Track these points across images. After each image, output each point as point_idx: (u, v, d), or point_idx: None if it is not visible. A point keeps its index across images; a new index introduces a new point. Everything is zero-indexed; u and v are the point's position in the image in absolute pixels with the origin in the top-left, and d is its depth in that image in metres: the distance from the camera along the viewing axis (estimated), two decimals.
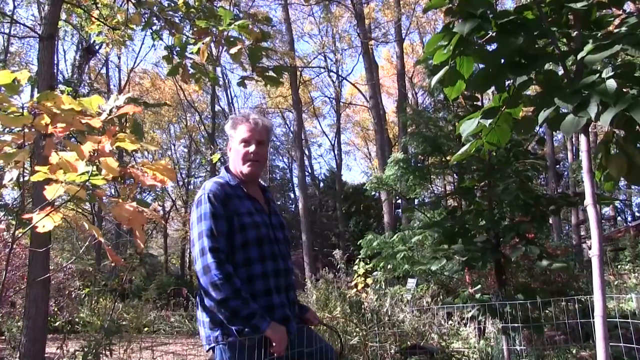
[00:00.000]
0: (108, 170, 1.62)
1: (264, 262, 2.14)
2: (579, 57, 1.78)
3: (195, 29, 4.11)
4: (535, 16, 1.95)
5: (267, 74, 3.92)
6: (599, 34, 1.86)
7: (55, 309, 9.07)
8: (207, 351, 2.11)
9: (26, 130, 1.63)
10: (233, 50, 3.49)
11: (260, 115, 2.35)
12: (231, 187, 2.20)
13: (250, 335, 1.96)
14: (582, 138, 1.82)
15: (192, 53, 4.12)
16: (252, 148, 2.22)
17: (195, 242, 2.06)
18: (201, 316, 2.13)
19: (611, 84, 1.62)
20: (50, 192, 1.55)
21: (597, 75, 1.70)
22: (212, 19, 3.86)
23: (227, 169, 2.31)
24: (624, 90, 1.71)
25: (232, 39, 3.73)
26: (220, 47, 3.95)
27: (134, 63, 23.97)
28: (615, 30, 1.83)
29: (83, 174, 1.58)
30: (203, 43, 3.49)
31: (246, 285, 2.06)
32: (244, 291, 1.99)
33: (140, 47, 35.04)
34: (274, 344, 1.98)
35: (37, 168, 1.60)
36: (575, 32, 1.96)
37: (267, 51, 3.99)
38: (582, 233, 18.13)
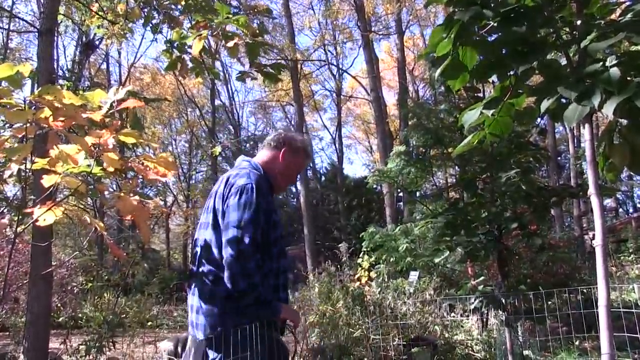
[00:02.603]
0: (110, 163, 1.61)
1: (278, 259, 2.19)
2: (582, 45, 1.76)
3: (194, 22, 4.09)
4: (536, 4, 1.93)
5: (265, 70, 3.91)
6: (602, 22, 1.84)
7: (58, 305, 9.10)
8: (204, 339, 2.10)
9: (27, 124, 1.62)
10: (230, 44, 3.47)
11: None
12: (267, 184, 2.25)
13: (269, 318, 2.06)
14: (586, 127, 1.81)
15: (191, 47, 4.10)
16: (297, 177, 2.36)
17: (234, 227, 2.03)
18: (207, 303, 2.11)
19: (615, 72, 1.61)
20: (48, 182, 1.55)
21: (601, 63, 1.69)
22: (210, 13, 3.84)
23: (261, 166, 2.33)
24: (628, 78, 1.69)
25: (229, 34, 3.72)
26: (219, 41, 3.94)
27: (135, 58, 23.84)
28: (619, 18, 1.81)
29: (83, 166, 1.57)
30: (199, 35, 3.47)
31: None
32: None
33: (141, 42, 34.98)
34: (290, 322, 2.20)
35: (36, 159, 1.59)
36: (579, 21, 1.94)
37: (266, 46, 3.97)
38: (584, 225, 18.11)
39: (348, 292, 5.92)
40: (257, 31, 3.63)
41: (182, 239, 31.24)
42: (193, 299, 2.18)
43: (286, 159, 2.37)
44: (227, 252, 2.00)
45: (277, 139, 2.40)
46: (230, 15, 3.55)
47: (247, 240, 1.98)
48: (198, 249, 2.21)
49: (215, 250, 2.10)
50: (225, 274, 2.01)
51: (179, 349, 2.73)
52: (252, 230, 2.01)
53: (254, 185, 2.10)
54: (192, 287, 2.19)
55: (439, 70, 2.04)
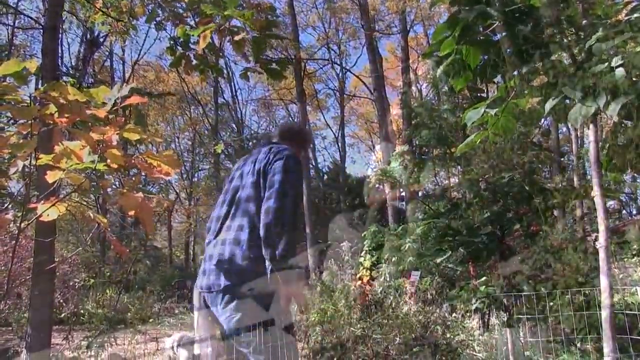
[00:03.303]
0: (113, 160, 1.62)
1: None
2: (587, 44, 1.75)
3: (199, 19, 4.07)
4: (542, 4, 1.92)
5: (270, 66, 3.88)
6: (608, 22, 1.83)
7: (61, 301, 9.13)
8: (223, 297, 2.19)
9: (32, 121, 1.62)
10: (237, 38, 3.46)
11: None
12: None
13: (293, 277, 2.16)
14: (590, 128, 1.80)
15: (194, 44, 4.08)
16: None
17: (280, 182, 2.22)
18: (240, 250, 2.22)
19: (620, 72, 1.60)
20: (52, 177, 1.56)
21: (606, 64, 1.67)
22: (218, 6, 3.81)
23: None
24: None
25: (235, 29, 3.69)
26: (224, 38, 3.92)
27: (138, 55, 23.88)
28: (626, 18, 1.80)
29: (87, 162, 1.58)
30: (204, 29, 3.45)
31: None
32: None
33: (145, 40, 34.88)
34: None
35: (41, 155, 1.60)
36: (584, 21, 1.93)
37: (274, 38, 3.93)
38: (586, 226, 18.03)
39: (350, 291, 5.92)
40: (265, 23, 3.59)
41: (184, 236, 31.26)
42: (219, 249, 2.28)
43: (299, 152, 2.63)
44: (269, 202, 2.17)
45: (293, 132, 2.72)
46: (237, 11, 3.53)
47: (292, 201, 2.19)
48: (228, 205, 2.40)
49: (252, 205, 2.27)
50: (262, 219, 2.15)
51: (175, 346, 2.77)
52: (294, 190, 2.24)
53: (295, 156, 2.38)
54: (217, 238, 2.33)
55: (440, 69, 2.03)
